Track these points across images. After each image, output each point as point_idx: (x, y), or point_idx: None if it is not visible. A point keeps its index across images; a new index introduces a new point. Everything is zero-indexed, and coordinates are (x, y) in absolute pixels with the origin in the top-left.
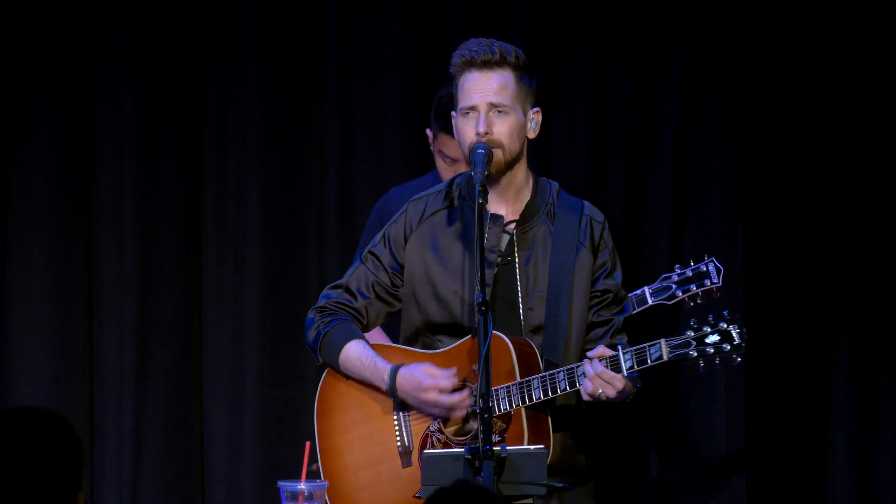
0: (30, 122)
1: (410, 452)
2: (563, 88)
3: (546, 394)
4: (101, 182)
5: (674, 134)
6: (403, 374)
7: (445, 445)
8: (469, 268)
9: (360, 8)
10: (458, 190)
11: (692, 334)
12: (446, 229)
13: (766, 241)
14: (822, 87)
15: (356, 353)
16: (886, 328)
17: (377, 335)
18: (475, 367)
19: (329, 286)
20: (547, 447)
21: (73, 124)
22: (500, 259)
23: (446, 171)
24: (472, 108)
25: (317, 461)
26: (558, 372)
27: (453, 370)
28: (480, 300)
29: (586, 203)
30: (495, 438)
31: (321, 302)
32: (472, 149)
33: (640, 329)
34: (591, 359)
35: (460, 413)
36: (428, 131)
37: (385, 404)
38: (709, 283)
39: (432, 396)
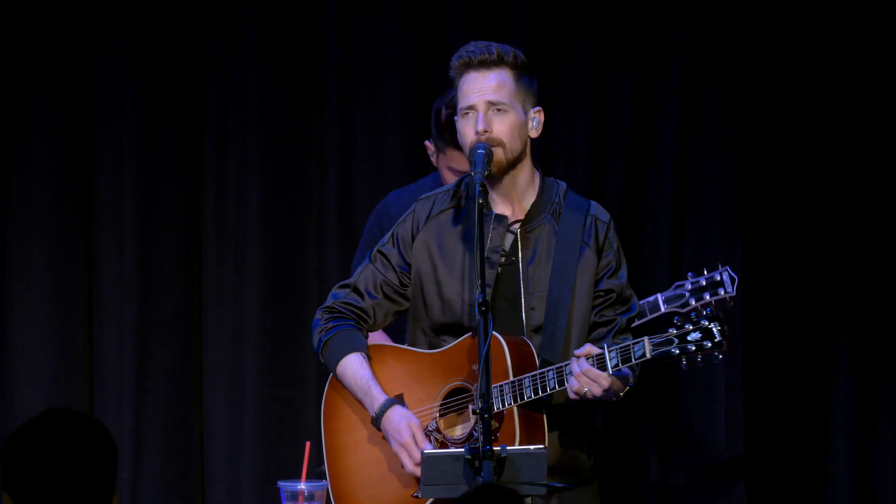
0: (30, 122)
1: None
2: (563, 88)
3: (536, 392)
4: (101, 182)
5: (674, 134)
6: (392, 415)
7: (442, 445)
8: (470, 268)
9: (360, 8)
10: (465, 190)
11: (674, 332)
12: (451, 229)
13: (766, 241)
14: (821, 88)
15: (352, 371)
16: (886, 328)
17: (377, 335)
18: (475, 367)
19: (338, 285)
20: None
21: (73, 124)
22: (503, 259)
23: None
24: (471, 108)
25: (322, 462)
26: (548, 371)
27: (430, 446)
28: (480, 300)
29: (593, 203)
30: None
31: (329, 301)
32: (472, 149)
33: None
34: (577, 357)
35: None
36: (428, 143)
37: None
38: (722, 293)
39: (403, 455)
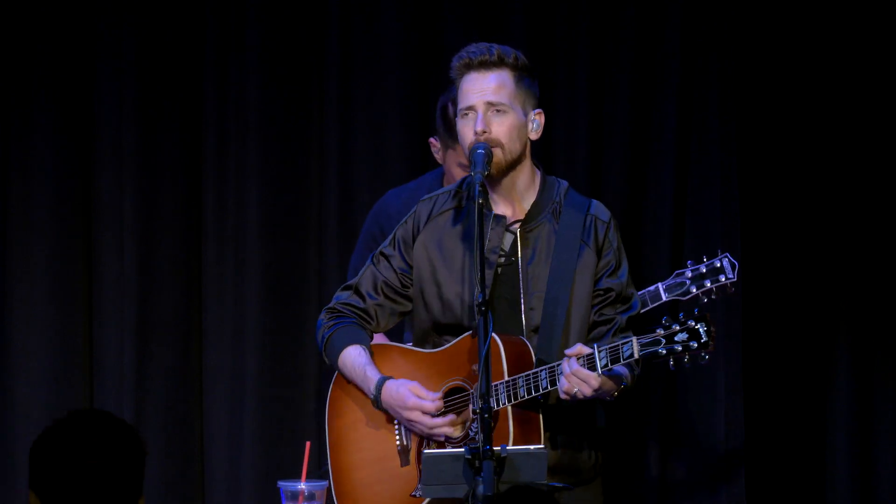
0: (30, 122)
1: (408, 451)
2: (563, 88)
3: (529, 392)
4: (101, 182)
5: (674, 134)
6: (389, 387)
7: (440, 445)
8: (469, 268)
9: (360, 8)
10: (466, 190)
11: (662, 332)
12: (451, 229)
13: (766, 241)
14: (821, 88)
15: (350, 360)
16: (886, 328)
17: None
18: (475, 367)
19: (342, 286)
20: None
21: (73, 124)
22: (502, 259)
23: None
24: (471, 108)
25: (323, 464)
26: (541, 370)
27: (438, 395)
28: (480, 300)
29: (594, 202)
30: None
31: (332, 303)
32: (472, 149)
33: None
34: (568, 357)
35: (439, 436)
36: (433, 140)
37: None
38: (723, 279)
39: (415, 416)
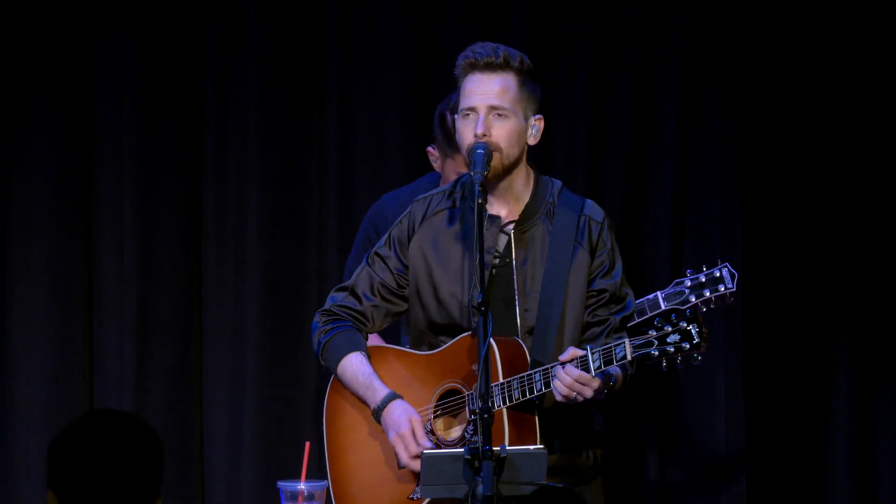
0: (30, 122)
1: None
2: (563, 88)
3: (524, 394)
4: (101, 182)
5: (674, 134)
6: (393, 408)
7: (436, 446)
8: (466, 268)
9: (360, 8)
10: (461, 190)
11: (654, 334)
12: (446, 230)
13: (766, 242)
14: (821, 88)
15: (352, 369)
16: (886, 328)
17: (371, 336)
18: (474, 367)
19: (336, 288)
20: None
21: (73, 124)
22: (497, 260)
23: None
24: (472, 110)
25: (325, 465)
26: (535, 373)
27: (430, 445)
28: (479, 301)
29: (588, 202)
30: (475, 439)
31: (327, 304)
32: (472, 149)
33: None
34: (563, 363)
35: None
36: (430, 149)
37: None
38: (723, 289)
39: (399, 447)
